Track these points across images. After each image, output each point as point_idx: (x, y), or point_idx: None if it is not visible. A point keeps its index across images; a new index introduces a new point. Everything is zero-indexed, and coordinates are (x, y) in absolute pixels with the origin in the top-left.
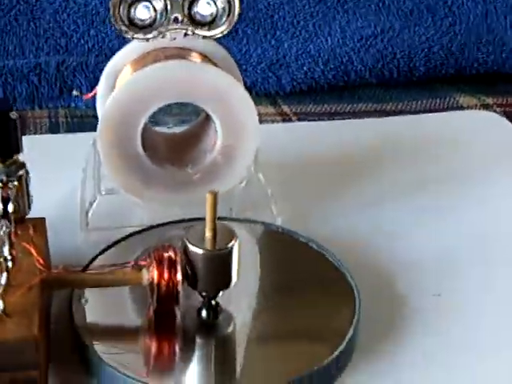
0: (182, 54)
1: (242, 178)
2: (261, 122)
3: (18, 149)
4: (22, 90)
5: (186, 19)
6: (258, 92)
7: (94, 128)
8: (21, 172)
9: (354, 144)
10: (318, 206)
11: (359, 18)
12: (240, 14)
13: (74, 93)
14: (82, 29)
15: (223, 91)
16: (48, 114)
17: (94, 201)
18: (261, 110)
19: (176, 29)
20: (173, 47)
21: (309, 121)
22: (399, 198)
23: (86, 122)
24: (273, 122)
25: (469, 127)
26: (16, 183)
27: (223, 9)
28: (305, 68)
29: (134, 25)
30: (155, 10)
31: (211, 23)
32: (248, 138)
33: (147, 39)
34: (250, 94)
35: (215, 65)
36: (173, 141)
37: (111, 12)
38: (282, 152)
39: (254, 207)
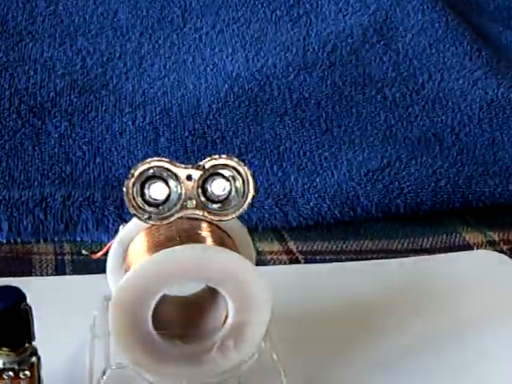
0: (193, 227)
1: (251, 353)
2: (267, 261)
3: (30, 338)
4: (28, 224)
5: (199, 201)
6: (265, 227)
7: (100, 266)
8: (33, 359)
9: (360, 290)
10: (330, 373)
11: (366, 148)
12: (254, 197)
13: (83, 252)
14: (87, 156)
15: (236, 273)
16: (53, 249)
17: (104, 374)
18: (266, 247)
19: (189, 209)
20: (185, 218)
21: (315, 260)
22: (409, 358)
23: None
24: (279, 261)
25: (474, 270)
26: (28, 373)
27: (236, 190)
28: (311, 204)
29: (146, 202)
30: (169, 193)
31: (224, 200)
32: (259, 316)
33: (161, 220)
34: (256, 229)
35: (226, 235)
36: (183, 312)
37: (126, 196)
38: (289, 300)
39: (264, 378)
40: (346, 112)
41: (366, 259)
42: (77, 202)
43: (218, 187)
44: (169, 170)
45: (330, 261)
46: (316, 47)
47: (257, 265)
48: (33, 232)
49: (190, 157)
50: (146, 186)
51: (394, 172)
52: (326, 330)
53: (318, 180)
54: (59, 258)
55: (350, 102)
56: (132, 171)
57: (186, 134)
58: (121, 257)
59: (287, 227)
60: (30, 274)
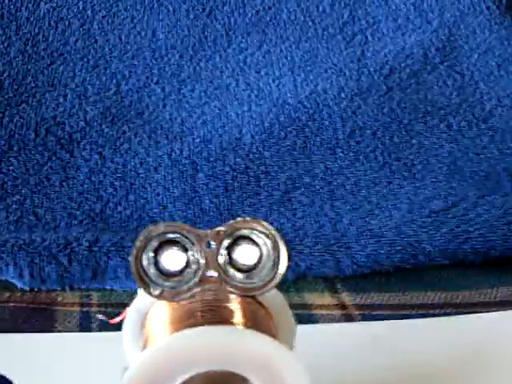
0: (219, 298)
1: None
2: (317, 317)
3: None
4: (51, 271)
5: (222, 272)
6: (314, 276)
7: None
8: None
9: (425, 353)
10: None
11: (428, 185)
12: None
13: (99, 317)
14: (119, 193)
15: (268, 361)
16: (80, 300)
17: None
18: (317, 300)
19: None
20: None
21: (372, 316)
22: None
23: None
24: (331, 318)
25: None
26: None
27: (266, 258)
28: (367, 250)
29: (159, 273)
30: (186, 263)
31: (252, 270)
32: None
33: (176, 296)
34: (305, 278)
35: (259, 306)
36: None
37: (133, 267)
38: (341, 366)
39: None
40: (405, 143)
41: (430, 314)
42: (105, 247)
43: (245, 254)
44: (185, 236)
45: (389, 317)
46: (372, 69)
47: (305, 322)
48: (57, 280)
49: (230, 194)
50: (158, 254)
51: (460, 213)
52: None
53: (374, 222)
54: (85, 309)
55: (409, 131)
56: (140, 236)
57: (227, 168)
58: (138, 324)
59: (340, 276)
60: (51, 329)
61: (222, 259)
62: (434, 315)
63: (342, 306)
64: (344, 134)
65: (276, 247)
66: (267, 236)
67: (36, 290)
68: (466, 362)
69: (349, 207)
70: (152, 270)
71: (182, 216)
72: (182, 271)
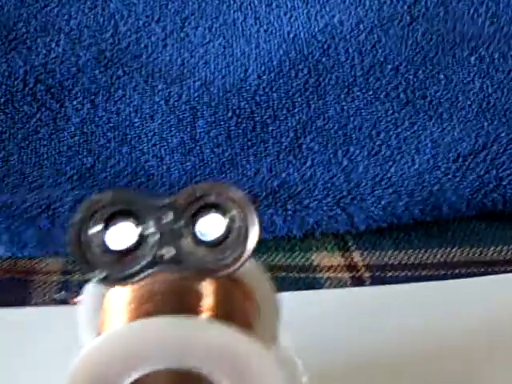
0: (186, 281)
1: None
2: (322, 281)
3: None
4: (32, 236)
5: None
6: (324, 232)
7: None
8: None
9: (449, 320)
10: None
11: (456, 125)
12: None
13: (57, 296)
14: (112, 145)
15: (238, 360)
16: (62, 266)
17: None
18: (325, 259)
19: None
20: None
21: (385, 278)
22: None
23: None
24: (338, 281)
25: None
26: None
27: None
28: (383, 202)
29: (105, 251)
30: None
31: (218, 245)
32: None
33: (124, 281)
34: (313, 234)
35: (234, 284)
36: None
37: (70, 243)
38: (347, 337)
39: None
40: (431, 79)
41: (454, 274)
42: None
43: (209, 226)
44: (136, 206)
45: (406, 278)
46: None
47: (309, 286)
48: (38, 245)
49: (233, 143)
50: (104, 229)
51: (490, 157)
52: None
53: (393, 169)
54: (66, 278)
55: (436, 66)
56: (82, 207)
57: (230, 114)
58: (95, 306)
59: (352, 232)
60: (27, 301)
61: (179, 233)
62: (457, 275)
63: (352, 267)
64: (362, 71)
65: (245, 218)
66: (235, 203)
67: (15, 257)
68: (496, 331)
69: (365, 153)
70: (95, 249)
71: (180, 168)
72: (132, 249)
